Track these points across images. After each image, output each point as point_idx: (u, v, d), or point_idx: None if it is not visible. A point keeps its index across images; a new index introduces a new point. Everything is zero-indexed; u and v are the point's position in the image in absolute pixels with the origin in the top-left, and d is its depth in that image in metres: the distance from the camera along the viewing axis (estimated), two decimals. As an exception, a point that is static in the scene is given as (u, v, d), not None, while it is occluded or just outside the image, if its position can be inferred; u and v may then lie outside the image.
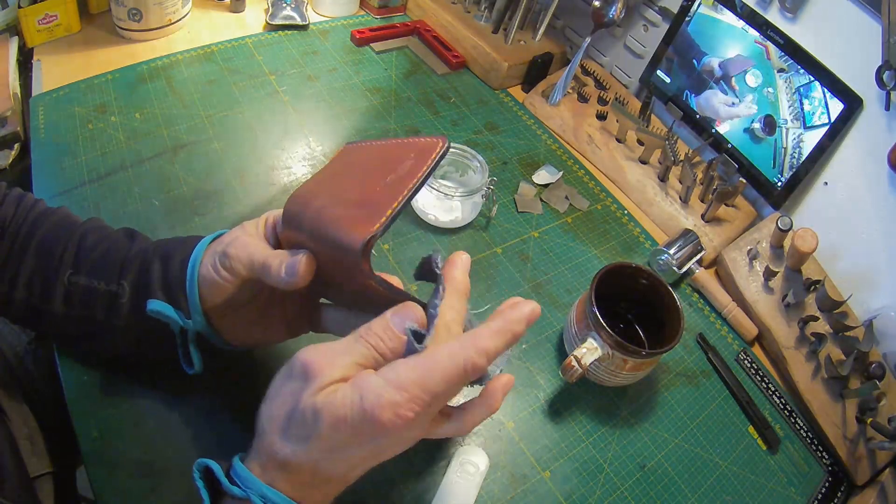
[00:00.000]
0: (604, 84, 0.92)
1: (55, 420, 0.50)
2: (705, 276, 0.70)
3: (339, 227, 0.33)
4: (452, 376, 0.29)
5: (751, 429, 0.60)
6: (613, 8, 0.84)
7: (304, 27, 0.91)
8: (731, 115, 0.77)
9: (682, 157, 0.76)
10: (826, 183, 0.71)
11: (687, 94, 0.82)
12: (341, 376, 0.30)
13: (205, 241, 0.41)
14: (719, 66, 0.77)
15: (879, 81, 0.62)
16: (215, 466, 0.31)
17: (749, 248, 0.70)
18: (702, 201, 0.77)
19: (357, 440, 0.29)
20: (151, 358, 0.46)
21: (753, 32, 0.73)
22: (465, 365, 0.30)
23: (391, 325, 0.32)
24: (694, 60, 0.80)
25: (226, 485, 0.30)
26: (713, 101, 0.79)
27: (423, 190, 0.65)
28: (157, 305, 0.39)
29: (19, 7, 0.73)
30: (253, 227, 0.40)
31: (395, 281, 0.37)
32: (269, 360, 0.52)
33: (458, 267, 0.36)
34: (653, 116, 0.86)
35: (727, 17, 0.75)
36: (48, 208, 0.46)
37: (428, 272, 0.37)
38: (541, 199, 0.75)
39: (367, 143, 0.42)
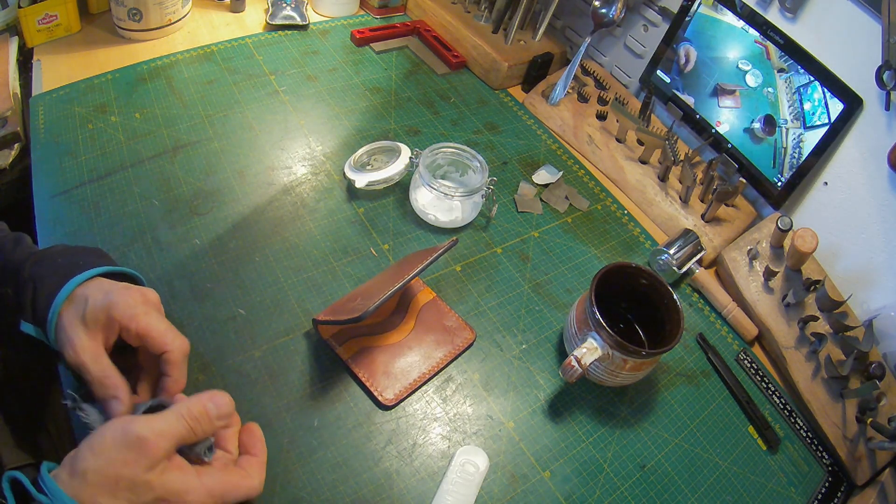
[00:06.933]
0: (604, 84, 0.92)
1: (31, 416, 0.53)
2: (705, 276, 0.70)
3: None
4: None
5: (751, 429, 0.60)
6: (613, 8, 0.85)
7: (304, 27, 0.91)
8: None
9: (682, 157, 0.76)
10: (826, 183, 0.71)
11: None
12: (166, 454, 0.36)
13: (70, 285, 0.43)
14: (685, 55, 0.77)
15: (879, 81, 0.62)
16: (23, 478, 0.35)
17: (749, 248, 0.70)
18: (702, 201, 0.77)
19: None
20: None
21: (753, 32, 0.73)
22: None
23: (208, 412, 0.39)
24: (673, 45, 0.80)
25: (33, 492, 0.34)
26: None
27: (423, 190, 0.66)
28: (27, 328, 0.45)
29: (19, 7, 0.73)
30: (93, 321, 0.43)
31: None
32: (269, 362, 0.52)
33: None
34: (653, 116, 0.86)
35: (727, 17, 0.75)
36: None
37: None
38: (541, 199, 0.75)
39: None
